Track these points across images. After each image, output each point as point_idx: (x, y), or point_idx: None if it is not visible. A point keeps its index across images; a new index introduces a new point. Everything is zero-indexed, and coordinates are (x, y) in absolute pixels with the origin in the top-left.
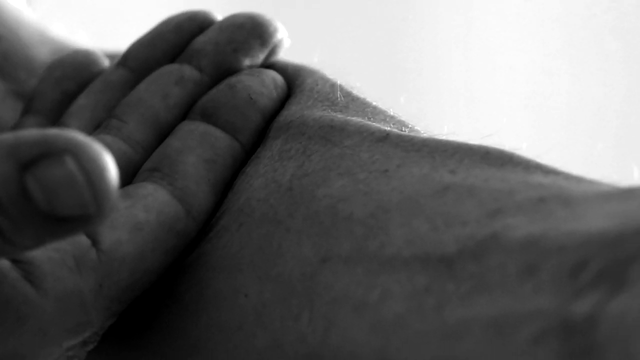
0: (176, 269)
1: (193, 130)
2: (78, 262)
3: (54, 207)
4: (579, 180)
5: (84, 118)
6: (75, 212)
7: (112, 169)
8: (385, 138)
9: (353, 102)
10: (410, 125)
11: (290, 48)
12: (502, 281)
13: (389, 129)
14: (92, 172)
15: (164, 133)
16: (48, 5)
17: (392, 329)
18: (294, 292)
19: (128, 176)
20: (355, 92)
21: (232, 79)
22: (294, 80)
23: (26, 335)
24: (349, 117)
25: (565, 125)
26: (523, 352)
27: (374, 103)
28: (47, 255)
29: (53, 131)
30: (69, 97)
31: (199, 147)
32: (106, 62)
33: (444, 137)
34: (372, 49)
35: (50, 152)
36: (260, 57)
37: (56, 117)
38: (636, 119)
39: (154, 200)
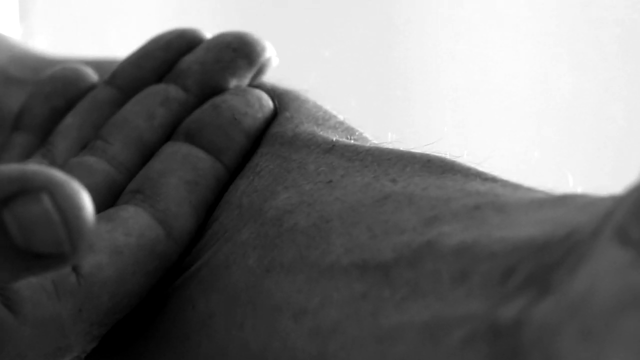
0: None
1: (176, 152)
2: (57, 287)
3: (30, 244)
4: (515, 187)
5: (71, 137)
6: (50, 249)
7: (88, 208)
8: (331, 149)
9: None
10: (357, 133)
11: (285, 50)
12: (436, 287)
13: (335, 139)
14: (67, 211)
15: (148, 154)
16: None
17: (329, 334)
18: (239, 301)
19: (112, 197)
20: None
21: (217, 99)
22: (280, 101)
23: None
24: (298, 131)
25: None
26: (453, 355)
27: (324, 107)
28: (26, 280)
29: (32, 168)
30: (58, 113)
31: (180, 169)
32: (95, 78)
33: (389, 145)
34: (365, 49)
35: (27, 189)
36: (248, 77)
37: (45, 134)
38: (575, 127)
39: (135, 223)
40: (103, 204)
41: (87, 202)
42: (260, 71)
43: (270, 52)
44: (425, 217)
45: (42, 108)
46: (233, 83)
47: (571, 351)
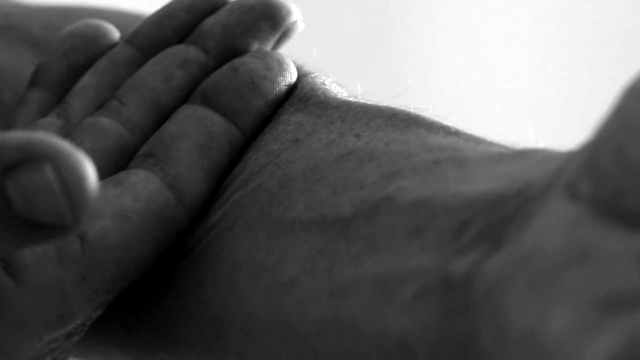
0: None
1: (190, 115)
2: (60, 253)
3: (32, 213)
4: (477, 141)
5: (88, 97)
6: (51, 220)
7: (91, 179)
8: (303, 108)
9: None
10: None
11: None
12: (391, 241)
13: (313, 100)
14: (69, 182)
15: (164, 116)
16: None
17: (286, 290)
18: (201, 259)
19: (124, 159)
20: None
21: (236, 62)
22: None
23: (4, 329)
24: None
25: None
26: (405, 308)
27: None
28: None
29: (37, 136)
30: (77, 70)
31: (194, 133)
32: (117, 35)
33: (358, 99)
34: (355, 47)
35: (31, 158)
36: (271, 41)
37: (62, 91)
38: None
39: (144, 188)
40: (114, 167)
41: (90, 173)
42: (285, 35)
43: (296, 16)
44: (385, 172)
45: (60, 65)
46: (255, 46)
47: (518, 304)
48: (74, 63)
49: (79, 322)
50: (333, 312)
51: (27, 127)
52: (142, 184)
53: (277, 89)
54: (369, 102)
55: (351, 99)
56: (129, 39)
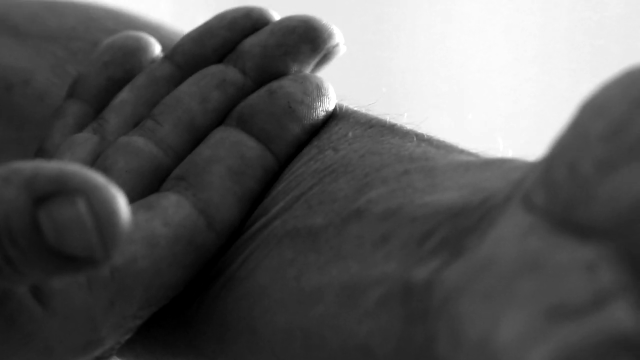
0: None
1: (224, 139)
2: (89, 279)
3: (63, 245)
4: (449, 149)
5: (125, 114)
6: (82, 253)
7: (123, 213)
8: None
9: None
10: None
11: None
12: (357, 251)
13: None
14: (102, 217)
15: (199, 137)
16: None
17: (256, 298)
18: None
19: (157, 180)
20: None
21: (274, 84)
22: None
23: (31, 354)
24: None
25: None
26: (369, 314)
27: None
28: None
29: (71, 168)
30: (115, 83)
31: (228, 157)
32: (157, 49)
33: (341, 106)
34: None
35: (64, 191)
36: (311, 64)
37: (100, 104)
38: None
39: (174, 213)
40: (147, 188)
41: (122, 208)
42: (326, 58)
43: (338, 39)
44: (357, 185)
45: (99, 77)
46: (294, 69)
47: (472, 312)
48: (112, 76)
49: (106, 347)
50: (300, 320)
51: (64, 141)
52: (173, 209)
53: (314, 114)
54: (349, 111)
55: (336, 108)
56: (169, 55)
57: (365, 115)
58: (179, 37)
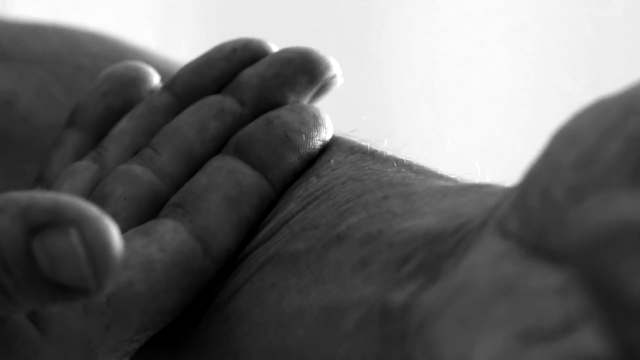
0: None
1: (221, 167)
2: (85, 304)
3: (57, 275)
4: (428, 174)
5: (124, 143)
6: (75, 284)
7: (116, 246)
8: None
9: None
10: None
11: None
12: (337, 275)
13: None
14: (94, 248)
15: (196, 166)
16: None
17: (237, 322)
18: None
19: (155, 208)
20: None
21: (271, 114)
22: None
23: None
24: None
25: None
26: (347, 337)
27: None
28: None
29: (65, 199)
30: (113, 113)
31: (224, 185)
32: (156, 79)
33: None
34: (335, 47)
35: (58, 221)
36: (308, 94)
37: (98, 133)
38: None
39: (171, 239)
40: (145, 215)
41: (115, 240)
42: (324, 89)
43: (335, 71)
44: (338, 211)
45: (98, 107)
46: (291, 99)
47: (447, 336)
48: (111, 105)
49: None
50: (279, 342)
51: (63, 170)
52: (170, 235)
53: (311, 143)
54: (332, 137)
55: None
56: (168, 86)
57: (347, 142)
58: (164, 62)
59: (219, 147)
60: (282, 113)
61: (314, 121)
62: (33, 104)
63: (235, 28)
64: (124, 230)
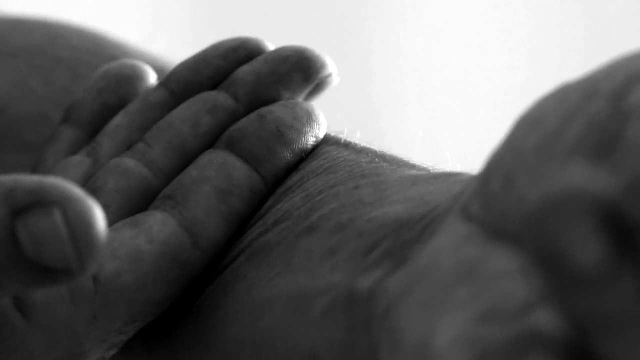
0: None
1: (212, 160)
2: (72, 292)
3: (40, 257)
4: (399, 164)
5: (118, 138)
6: (58, 265)
7: (99, 226)
8: None
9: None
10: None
11: None
12: (306, 263)
13: None
14: (77, 228)
15: (189, 160)
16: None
17: (209, 312)
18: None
19: (146, 201)
20: None
21: (264, 109)
22: None
23: None
24: None
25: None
26: (315, 324)
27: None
28: None
29: (49, 181)
30: (109, 110)
31: (215, 177)
32: (153, 77)
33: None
34: (324, 44)
35: (41, 202)
36: (303, 92)
37: (93, 129)
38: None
39: (160, 231)
40: (136, 208)
41: (99, 220)
42: (319, 88)
43: (330, 70)
44: (311, 202)
45: (93, 103)
46: (285, 96)
47: (410, 319)
48: (106, 102)
49: None
50: (250, 331)
51: (57, 164)
52: (159, 226)
53: (304, 139)
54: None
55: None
56: (163, 82)
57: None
58: (143, 55)
59: (211, 141)
60: (275, 108)
61: (307, 117)
62: (10, 95)
63: (229, 28)
64: (114, 222)
